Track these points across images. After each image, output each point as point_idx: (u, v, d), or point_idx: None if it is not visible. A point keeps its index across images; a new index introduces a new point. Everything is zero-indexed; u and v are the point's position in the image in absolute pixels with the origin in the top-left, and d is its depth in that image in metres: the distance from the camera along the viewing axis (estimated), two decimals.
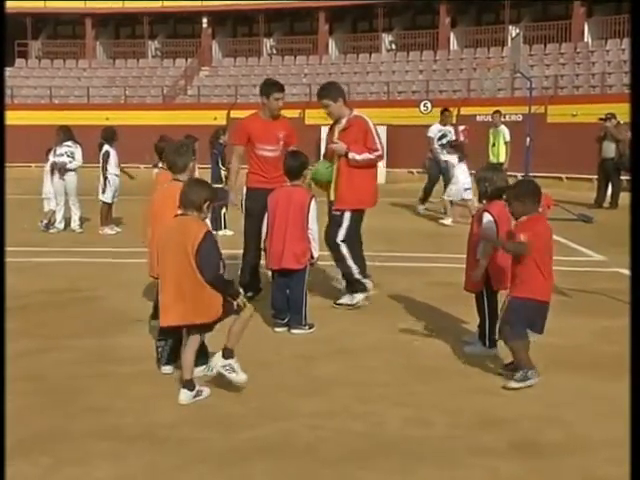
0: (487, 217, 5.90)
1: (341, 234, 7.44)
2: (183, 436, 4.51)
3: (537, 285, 5.20)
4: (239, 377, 5.06)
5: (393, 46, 31.26)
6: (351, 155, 7.33)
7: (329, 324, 6.94)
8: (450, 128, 15.38)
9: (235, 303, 4.97)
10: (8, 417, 4.04)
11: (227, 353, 5.02)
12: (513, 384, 5.14)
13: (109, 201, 12.89)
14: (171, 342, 5.52)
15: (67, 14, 34.06)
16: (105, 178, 12.76)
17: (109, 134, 12.95)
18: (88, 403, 5.05)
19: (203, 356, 5.39)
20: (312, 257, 6.77)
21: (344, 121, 7.48)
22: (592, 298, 8.03)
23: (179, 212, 5.07)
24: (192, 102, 29.81)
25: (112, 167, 12.82)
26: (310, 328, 6.74)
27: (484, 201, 6.07)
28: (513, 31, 26.76)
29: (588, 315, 7.23)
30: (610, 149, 16.43)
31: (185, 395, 5.02)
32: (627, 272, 9.13)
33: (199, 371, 5.37)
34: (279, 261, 6.72)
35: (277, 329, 6.79)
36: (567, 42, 27.18)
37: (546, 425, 4.67)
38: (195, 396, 5.05)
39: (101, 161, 12.82)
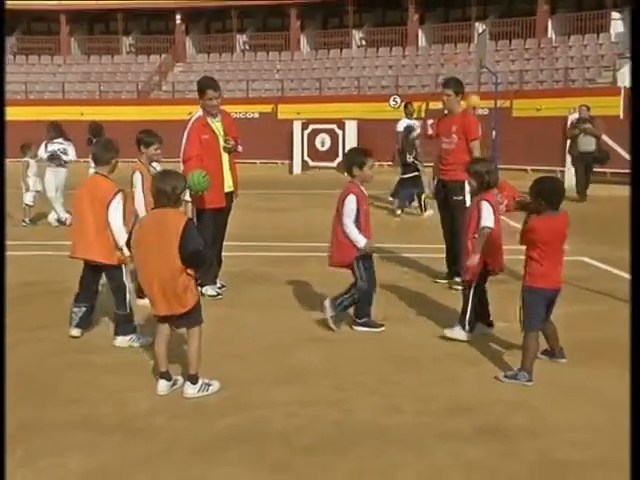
0: (486, 206, 5.98)
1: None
2: (158, 426, 4.48)
3: None
4: (215, 387, 5.03)
5: (363, 42, 31.25)
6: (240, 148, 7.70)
7: (304, 313, 6.93)
8: (416, 122, 15.25)
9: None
10: None
11: (193, 379, 4.95)
12: (502, 378, 5.12)
13: None
14: (84, 309, 6.15)
15: (41, 10, 33.63)
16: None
17: (98, 129, 12.83)
18: (62, 394, 4.99)
19: (129, 326, 6.00)
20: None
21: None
22: None
23: (155, 205, 5.00)
24: (166, 97, 29.60)
25: None
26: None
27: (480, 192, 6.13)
28: (479, 27, 26.84)
29: None
30: (591, 143, 16.25)
31: (163, 385, 5.00)
32: (589, 260, 9.27)
33: (123, 340, 5.97)
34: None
35: None
36: (531, 38, 27.34)
37: (512, 411, 4.69)
38: (172, 385, 5.03)
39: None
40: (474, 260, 5.95)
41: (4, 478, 3.46)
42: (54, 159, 12.62)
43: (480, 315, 6.21)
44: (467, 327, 6.08)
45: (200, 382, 4.96)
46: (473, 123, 8.06)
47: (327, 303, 6.38)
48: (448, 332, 6.14)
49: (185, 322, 5.00)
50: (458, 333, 6.09)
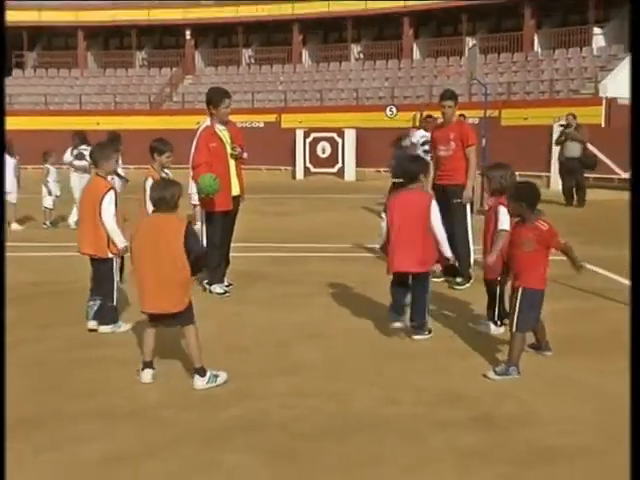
0: (503, 210, 5.95)
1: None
2: (168, 417, 4.46)
3: None
4: (223, 377, 4.99)
5: (361, 55, 31.30)
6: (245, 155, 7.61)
7: (305, 311, 6.93)
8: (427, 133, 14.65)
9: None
10: None
11: (201, 372, 4.92)
12: (493, 375, 5.06)
13: None
14: (99, 303, 6.17)
15: (60, 27, 33.67)
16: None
17: (117, 139, 12.80)
18: (68, 389, 4.93)
19: (114, 316, 6.18)
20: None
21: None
22: None
23: (154, 211, 5.03)
24: (177, 108, 29.63)
25: (120, 170, 12.75)
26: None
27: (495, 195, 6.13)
28: (470, 42, 26.85)
29: None
30: (575, 149, 15.83)
31: (148, 374, 4.99)
32: None
33: (107, 328, 6.12)
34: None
35: None
36: (519, 52, 27.37)
37: (501, 401, 4.68)
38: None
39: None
40: (491, 259, 5.89)
41: (4, 471, 3.40)
42: (81, 159, 12.66)
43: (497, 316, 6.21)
44: (498, 322, 6.10)
45: (208, 374, 4.93)
46: (470, 131, 8.23)
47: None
48: (479, 328, 6.18)
49: (177, 321, 4.97)
50: (492, 329, 6.12)
